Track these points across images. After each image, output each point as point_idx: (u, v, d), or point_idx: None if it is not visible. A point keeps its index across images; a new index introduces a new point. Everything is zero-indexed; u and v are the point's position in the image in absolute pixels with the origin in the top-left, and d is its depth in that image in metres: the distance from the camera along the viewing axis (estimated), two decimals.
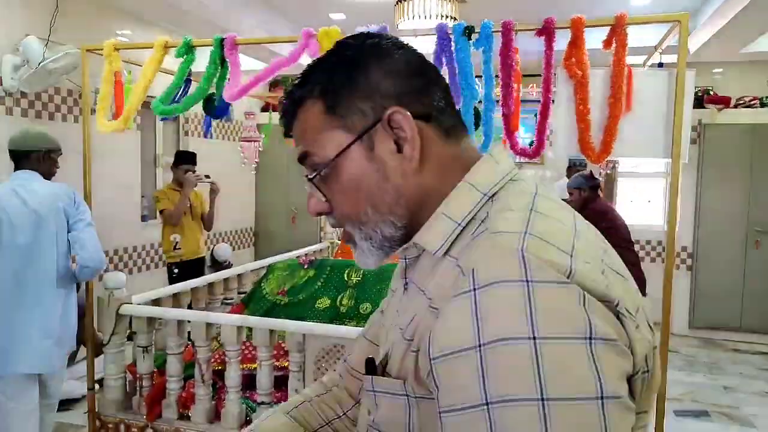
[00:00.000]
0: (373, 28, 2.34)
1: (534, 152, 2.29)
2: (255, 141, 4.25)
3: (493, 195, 0.66)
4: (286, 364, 2.89)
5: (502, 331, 0.52)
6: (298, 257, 3.75)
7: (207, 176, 4.43)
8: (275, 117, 5.18)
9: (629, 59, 2.15)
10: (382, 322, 0.84)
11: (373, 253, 0.72)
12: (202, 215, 4.56)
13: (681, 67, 1.94)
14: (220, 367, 2.89)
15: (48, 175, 2.71)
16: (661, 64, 2.41)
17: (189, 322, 2.76)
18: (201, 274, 4.38)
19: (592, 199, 4.09)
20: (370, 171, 0.68)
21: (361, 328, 2.76)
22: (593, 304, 0.54)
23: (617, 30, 2.03)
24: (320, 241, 6.11)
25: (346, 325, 2.97)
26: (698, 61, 5.31)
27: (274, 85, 7.36)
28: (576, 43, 2.05)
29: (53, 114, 4.22)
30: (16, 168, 2.69)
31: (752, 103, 5.64)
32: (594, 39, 2.33)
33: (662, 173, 6.39)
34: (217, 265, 5.71)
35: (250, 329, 2.78)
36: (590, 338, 0.52)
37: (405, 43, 0.73)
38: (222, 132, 6.54)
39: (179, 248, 4.51)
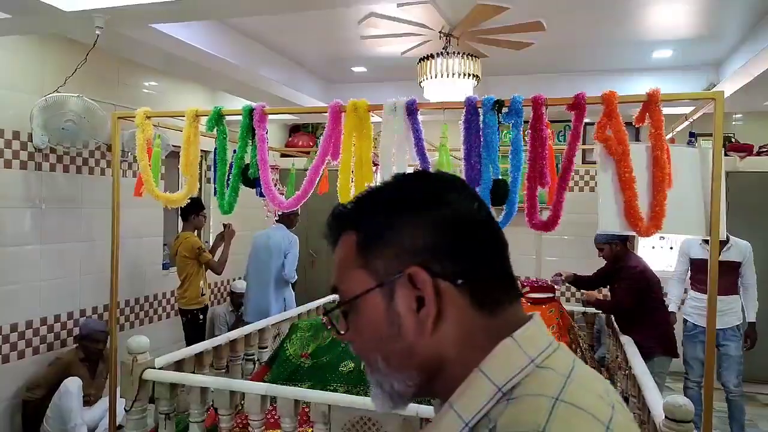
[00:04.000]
0: (402, 100, 2.35)
1: (550, 225, 2.26)
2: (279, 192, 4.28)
3: (513, 388, 0.60)
4: (310, 431, 2.84)
5: None
6: (321, 317, 3.71)
7: (230, 224, 4.66)
8: (298, 163, 5.22)
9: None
10: None
11: (385, 401, 0.69)
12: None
13: (717, 146, 1.91)
14: None
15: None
16: (692, 134, 2.39)
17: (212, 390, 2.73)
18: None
19: (624, 254, 3.99)
20: (385, 321, 0.65)
21: None
22: None
23: (651, 106, 2.01)
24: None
25: (370, 392, 2.91)
26: None
27: (294, 128, 7.45)
28: (610, 116, 2.04)
29: (81, 168, 4.29)
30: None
31: None
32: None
33: None
34: (236, 299, 5.73)
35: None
36: None
37: (463, 195, 0.68)
38: None
39: (204, 294, 4.64)
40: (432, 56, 3.76)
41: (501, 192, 2.15)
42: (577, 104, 2.09)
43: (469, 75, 3.77)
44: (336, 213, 0.71)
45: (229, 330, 4.72)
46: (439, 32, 3.80)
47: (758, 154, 5.63)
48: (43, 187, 4.00)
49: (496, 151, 2.18)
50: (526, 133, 2.26)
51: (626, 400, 3.42)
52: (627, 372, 3.61)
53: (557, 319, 4.10)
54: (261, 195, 2.68)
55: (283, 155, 6.80)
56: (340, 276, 0.69)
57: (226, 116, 2.61)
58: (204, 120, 2.64)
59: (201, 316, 4.66)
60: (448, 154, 2.36)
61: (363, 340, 0.68)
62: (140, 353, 2.82)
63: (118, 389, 2.92)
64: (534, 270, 6.62)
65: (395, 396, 0.68)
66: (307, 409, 2.77)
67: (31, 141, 3.89)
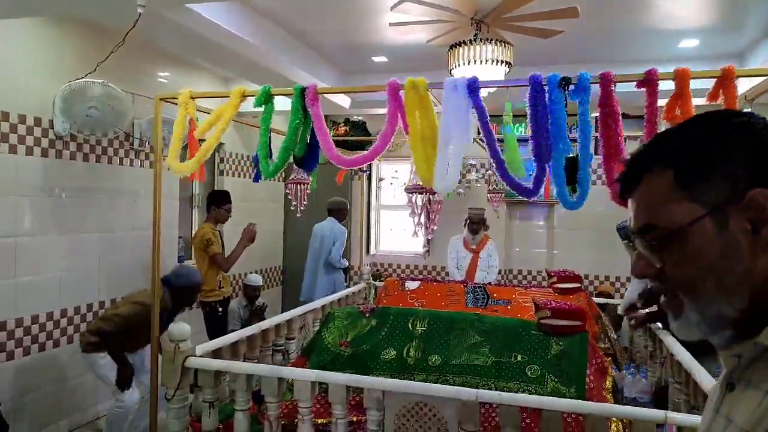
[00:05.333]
0: (463, 78, 2.31)
1: None
2: (303, 183, 4.22)
3: None
4: (354, 419, 2.79)
5: None
6: (357, 306, 3.66)
7: (254, 223, 4.54)
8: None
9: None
10: None
11: (702, 328, 0.70)
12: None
13: None
14: (284, 422, 2.78)
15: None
16: (752, 113, 2.38)
17: (258, 376, 2.66)
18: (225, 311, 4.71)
19: None
20: (719, 246, 0.66)
21: (445, 385, 2.60)
22: None
23: (725, 82, 1.99)
24: (351, 281, 6.02)
25: (415, 378, 2.87)
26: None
27: None
28: (681, 94, 2.02)
29: (100, 157, 4.19)
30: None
31: None
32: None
33: None
34: (250, 291, 5.60)
35: (321, 383, 2.68)
36: None
37: (762, 121, 0.70)
38: (247, 171, 6.52)
39: (222, 287, 4.54)
40: (465, 42, 3.73)
41: (574, 168, 2.11)
42: (649, 80, 2.06)
43: (501, 62, 3.74)
44: (635, 156, 0.74)
45: (243, 326, 4.65)
46: (471, 18, 3.77)
47: None
48: (63, 176, 3.89)
49: (565, 128, 2.14)
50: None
51: (663, 386, 3.41)
52: (661, 360, 3.60)
53: (586, 309, 4.08)
54: (308, 171, 2.63)
55: None
56: (654, 213, 0.71)
57: (275, 96, 2.54)
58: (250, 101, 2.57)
59: (220, 309, 4.58)
60: (513, 131, 2.32)
61: (690, 268, 0.68)
62: (182, 341, 2.74)
63: (159, 377, 2.84)
64: (545, 264, 6.62)
65: (715, 323, 0.69)
66: (355, 397, 2.72)
67: (53, 128, 3.78)
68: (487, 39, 3.72)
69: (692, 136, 0.71)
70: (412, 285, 4.70)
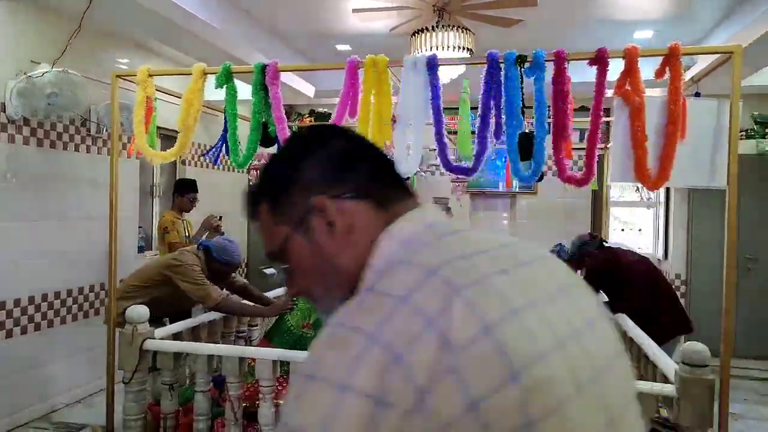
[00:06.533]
0: (422, 55, 2.34)
1: (583, 180, 2.30)
2: None
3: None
4: None
5: None
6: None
7: (220, 217, 4.40)
8: None
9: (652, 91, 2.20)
10: None
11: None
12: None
13: (735, 98, 1.99)
14: (245, 404, 2.76)
15: None
16: (698, 94, 2.48)
17: (218, 357, 2.64)
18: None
19: (609, 255, 3.73)
20: (311, 253, 0.73)
21: None
22: None
23: (671, 60, 2.07)
24: None
25: None
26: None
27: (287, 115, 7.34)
28: (630, 71, 2.09)
29: (54, 143, 4.07)
30: None
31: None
32: (613, 70, 2.39)
33: (653, 202, 6.55)
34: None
35: (283, 364, 2.68)
36: None
37: (339, 134, 0.78)
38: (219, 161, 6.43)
39: None
40: (427, 29, 3.77)
41: (527, 144, 2.16)
42: (600, 58, 2.13)
43: (462, 48, 3.79)
44: (247, 192, 0.81)
45: (205, 312, 4.58)
46: (433, 6, 3.81)
47: None
48: (16, 162, 3.77)
49: (519, 105, 2.19)
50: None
51: None
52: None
53: None
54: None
55: None
56: (268, 241, 0.77)
57: (235, 74, 2.52)
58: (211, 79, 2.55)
59: None
60: (468, 107, 2.36)
61: (302, 280, 0.76)
62: (140, 323, 2.70)
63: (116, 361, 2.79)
64: None
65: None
66: None
67: (5, 111, 3.66)
68: (449, 26, 3.77)
69: (274, 164, 0.78)
70: None
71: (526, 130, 2.22)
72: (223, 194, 6.29)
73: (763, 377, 5.55)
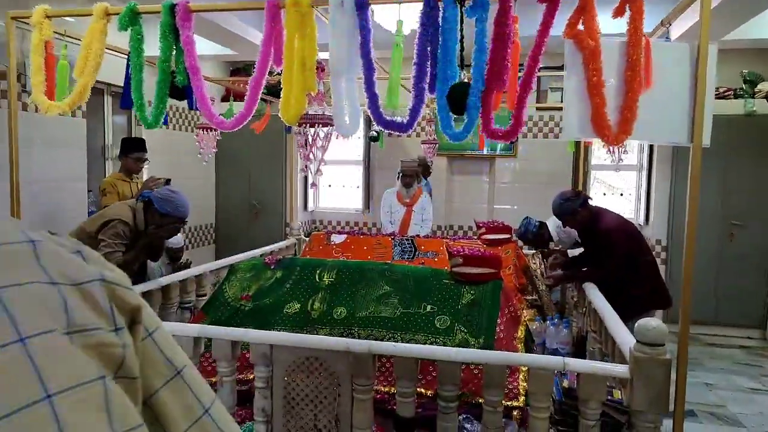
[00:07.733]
0: None
1: (509, 134, 2.02)
2: (213, 130, 3.88)
3: None
4: (251, 377, 2.58)
5: None
6: (262, 256, 3.41)
7: (168, 180, 3.97)
8: (237, 106, 4.80)
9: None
10: None
11: None
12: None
13: (704, 42, 1.70)
14: None
15: None
16: (667, 39, 2.18)
17: None
18: (144, 270, 3.89)
19: (592, 216, 3.45)
20: None
21: (336, 337, 2.38)
22: None
23: None
24: (285, 238, 5.77)
25: (318, 332, 2.67)
26: None
27: (235, 72, 6.95)
28: (584, 8, 1.79)
29: None
30: None
31: (726, 94, 5.55)
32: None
33: (634, 166, 6.29)
34: (172, 253, 5.24)
35: (209, 340, 2.45)
36: None
37: None
38: (178, 121, 6.11)
39: None
40: None
41: (458, 97, 1.87)
42: None
43: None
44: None
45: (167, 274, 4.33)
46: None
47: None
48: None
49: (455, 52, 1.90)
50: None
51: (585, 336, 3.32)
52: (584, 310, 3.51)
53: (514, 260, 3.95)
54: (193, 107, 2.32)
55: (223, 99, 6.34)
56: None
57: (143, 14, 2.21)
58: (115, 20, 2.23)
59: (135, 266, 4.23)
60: (401, 55, 2.06)
61: None
62: None
63: None
64: (486, 218, 6.49)
65: None
66: (247, 354, 2.50)
67: None
68: None
69: None
70: (338, 239, 4.49)
71: (465, 80, 1.93)
72: (183, 155, 5.98)
73: (745, 344, 5.41)
